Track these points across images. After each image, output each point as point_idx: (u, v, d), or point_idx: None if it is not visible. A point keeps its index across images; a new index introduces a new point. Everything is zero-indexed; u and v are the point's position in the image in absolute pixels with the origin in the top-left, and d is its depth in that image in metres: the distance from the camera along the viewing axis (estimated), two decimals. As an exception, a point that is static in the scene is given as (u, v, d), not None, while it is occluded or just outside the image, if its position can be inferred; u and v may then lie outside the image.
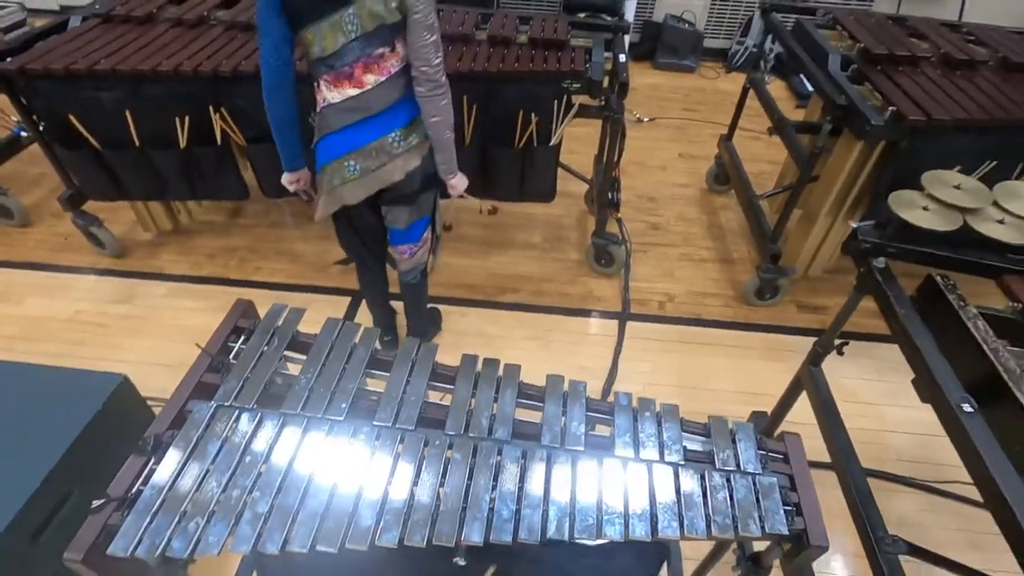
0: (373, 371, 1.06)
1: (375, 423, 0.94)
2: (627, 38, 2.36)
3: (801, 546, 0.86)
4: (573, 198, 2.95)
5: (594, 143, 2.69)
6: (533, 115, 2.12)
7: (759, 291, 2.42)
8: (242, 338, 1.08)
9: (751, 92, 2.65)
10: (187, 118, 2.05)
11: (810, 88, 2.81)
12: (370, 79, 1.44)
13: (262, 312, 1.14)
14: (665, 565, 1.07)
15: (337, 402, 0.97)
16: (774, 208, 2.72)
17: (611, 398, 1.03)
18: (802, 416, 1.63)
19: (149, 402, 1.54)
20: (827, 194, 2.16)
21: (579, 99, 2.17)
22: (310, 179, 1.73)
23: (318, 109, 1.52)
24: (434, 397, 1.04)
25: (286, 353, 1.08)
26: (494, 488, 0.87)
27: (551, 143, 2.23)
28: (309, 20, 1.35)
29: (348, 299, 2.43)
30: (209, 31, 2.16)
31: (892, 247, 1.21)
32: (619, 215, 2.64)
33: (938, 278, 1.14)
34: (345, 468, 0.88)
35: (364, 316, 2.27)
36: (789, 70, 4.09)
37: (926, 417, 1.08)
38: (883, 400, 2.11)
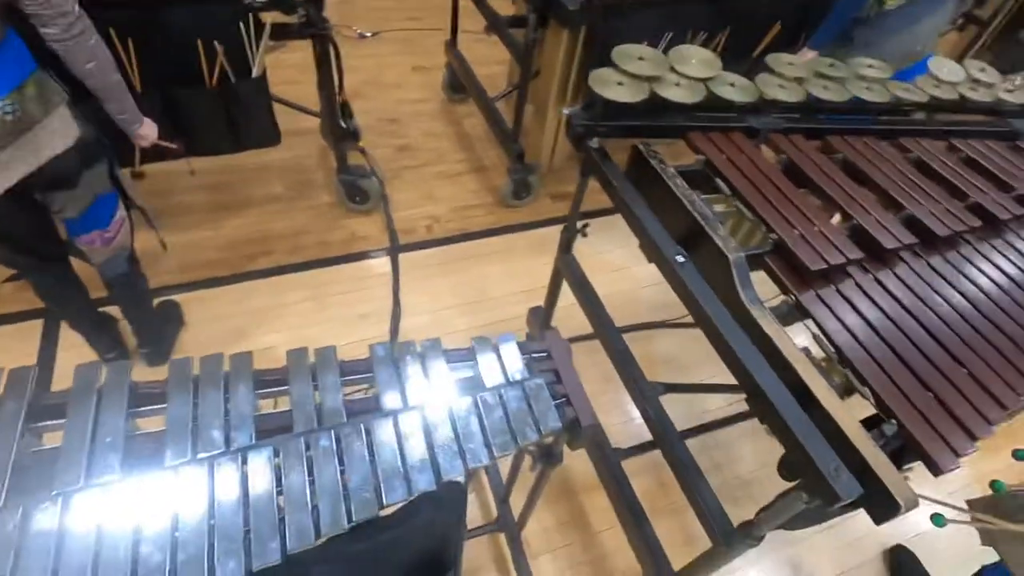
0: (42, 424, 0.79)
1: (54, 493, 0.70)
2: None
3: (576, 431, 0.90)
4: (309, 135, 2.62)
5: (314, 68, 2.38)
6: (216, 43, 1.75)
7: (514, 192, 2.50)
8: None
9: (461, -10, 2.56)
10: None
11: (515, -20, 2.82)
12: None
13: None
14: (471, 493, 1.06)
15: (-12, 485, 0.70)
16: (511, 108, 2.77)
17: (365, 348, 0.92)
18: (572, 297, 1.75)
19: None
20: (550, 85, 2.24)
21: (271, 18, 1.84)
22: None
23: None
24: (147, 426, 0.82)
25: None
26: (246, 507, 0.72)
27: (253, 75, 1.89)
28: None
29: (39, 322, 1.88)
30: None
31: (602, 127, 1.26)
32: (361, 145, 2.43)
33: (641, 147, 1.23)
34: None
35: (70, 337, 1.78)
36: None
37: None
38: (630, 263, 2.40)
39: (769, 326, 0.97)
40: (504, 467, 1.59)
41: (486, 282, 2.25)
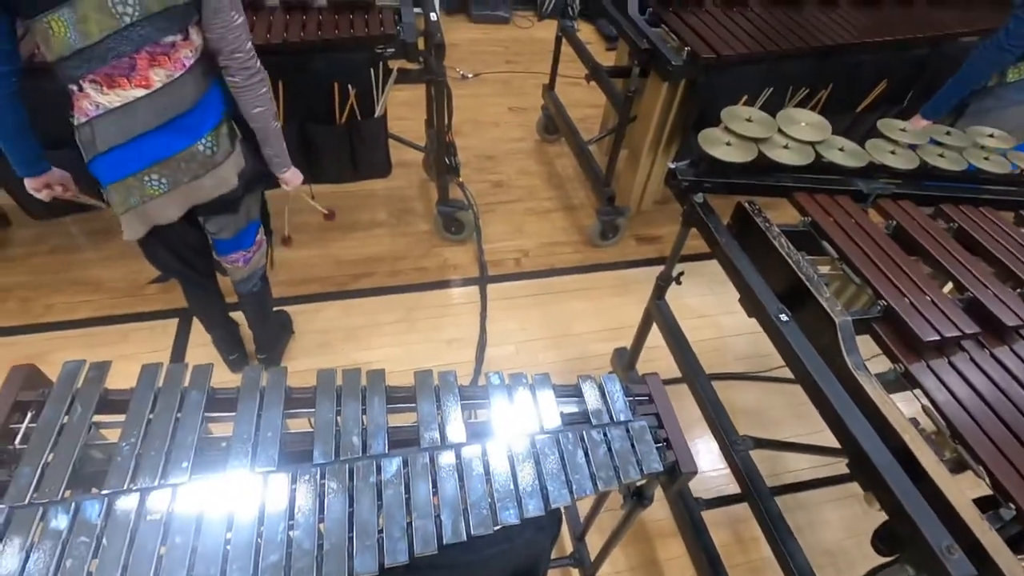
0: (216, 414, 0.93)
1: (228, 472, 0.83)
2: (435, -6, 2.25)
3: (675, 475, 0.94)
4: (411, 167, 2.84)
5: (423, 106, 2.59)
6: (350, 86, 1.96)
7: (602, 232, 2.57)
8: (29, 414, 0.87)
9: (564, 40, 2.71)
10: None
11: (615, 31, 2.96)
12: (159, 75, 1.18)
13: (53, 374, 0.93)
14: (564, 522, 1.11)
15: (177, 461, 0.83)
16: (603, 151, 2.87)
17: (483, 376, 1.01)
18: (656, 339, 1.78)
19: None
20: (646, 133, 2.32)
21: (397, 64, 2.04)
22: (70, 179, 1.42)
23: (83, 119, 1.21)
24: (295, 426, 0.94)
25: (97, 419, 0.89)
26: (380, 508, 0.82)
27: (376, 115, 2.09)
28: (52, 3, 1.05)
29: (176, 321, 2.13)
30: None
31: (707, 182, 1.32)
32: (460, 180, 2.60)
33: (746, 205, 1.28)
34: (202, 535, 0.77)
35: (200, 336, 2.01)
36: (595, 14, 4.26)
37: (752, 320, 1.22)
38: (717, 310, 2.40)
39: (876, 393, 0.98)
40: (582, 505, 1.62)
41: (570, 318, 2.31)
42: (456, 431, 0.92)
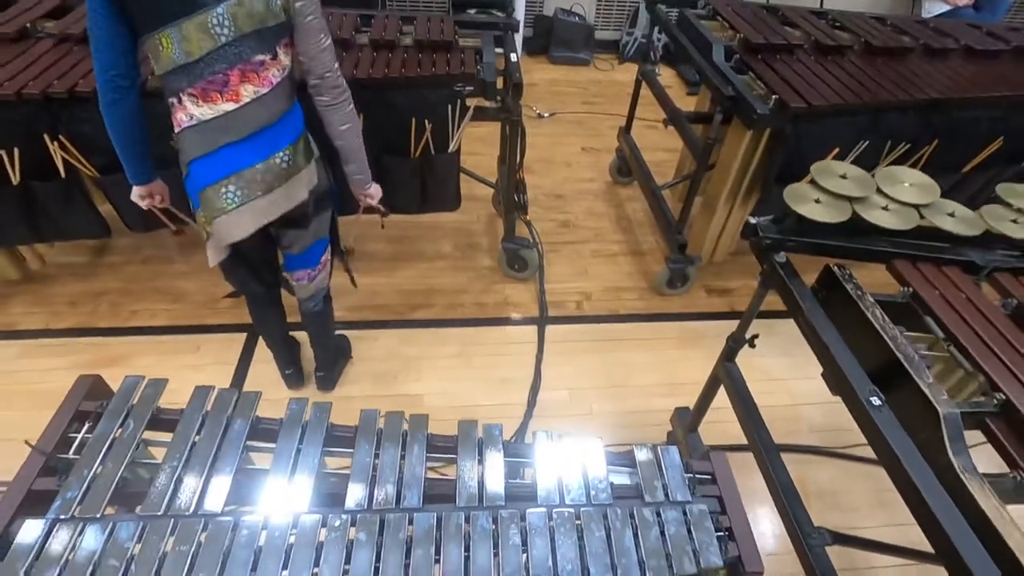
0: (258, 443, 0.92)
1: (261, 507, 0.81)
2: (518, 36, 2.30)
3: (737, 573, 0.83)
4: (481, 202, 2.85)
5: (497, 143, 2.61)
6: (427, 122, 2.00)
7: (670, 281, 2.46)
8: (86, 425, 0.90)
9: (644, 84, 2.68)
10: (16, 150, 1.74)
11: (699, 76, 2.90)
12: (248, 91, 1.26)
13: (116, 385, 0.96)
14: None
15: (212, 491, 0.82)
16: (677, 196, 2.78)
17: (530, 433, 0.94)
18: (722, 400, 1.64)
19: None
20: (724, 181, 2.21)
21: (474, 101, 2.07)
22: (167, 192, 1.52)
23: (179, 130, 1.31)
24: (332, 465, 0.92)
25: (148, 436, 0.91)
26: (407, 568, 0.76)
27: (450, 150, 2.12)
28: (163, 20, 1.15)
29: (243, 335, 2.20)
30: (35, 46, 1.85)
31: (791, 241, 1.22)
32: (528, 218, 2.58)
33: (835, 269, 1.16)
34: (226, 574, 0.74)
35: (263, 352, 2.06)
36: (677, 58, 4.22)
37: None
38: (790, 374, 2.21)
39: (987, 502, 0.83)
40: None
41: (629, 368, 2.20)
42: (495, 490, 0.86)
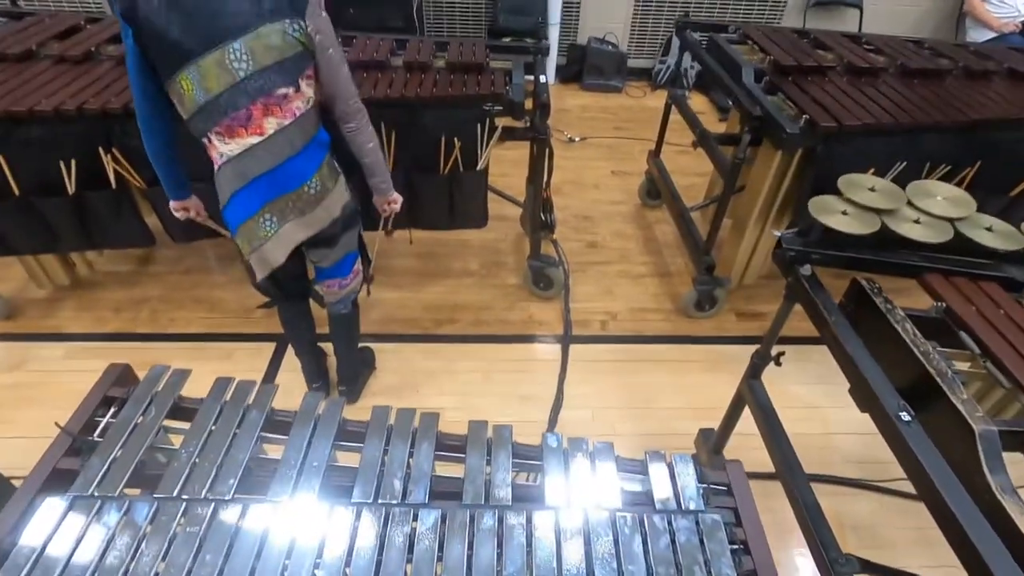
0: (271, 435, 0.93)
1: (269, 498, 0.82)
2: (550, 60, 2.35)
3: (751, 588, 0.79)
4: (509, 221, 2.88)
5: (527, 165, 2.65)
6: (456, 140, 2.05)
7: (698, 303, 2.42)
8: (112, 409, 0.93)
9: (674, 108, 2.69)
10: (74, 162, 1.86)
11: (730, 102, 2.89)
12: (271, 123, 1.30)
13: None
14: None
15: (224, 478, 0.84)
16: (706, 219, 2.74)
17: (558, 429, 0.93)
18: (750, 426, 1.59)
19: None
20: (753, 203, 2.18)
21: (503, 122, 2.12)
22: (202, 207, 1.60)
23: (216, 168, 1.36)
24: (344, 458, 0.92)
25: (167, 423, 0.93)
26: (409, 562, 0.76)
27: (478, 168, 2.16)
28: (181, 61, 1.19)
29: (273, 345, 2.26)
30: (97, 67, 1.99)
31: (816, 253, 1.19)
32: (554, 236, 2.59)
33: (864, 282, 1.12)
34: (231, 557, 0.75)
35: (291, 362, 2.11)
36: (709, 85, 4.23)
37: (866, 416, 1.04)
38: (825, 402, 2.12)
39: (1029, 527, 0.77)
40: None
41: (653, 390, 2.16)
42: (503, 490, 0.85)
